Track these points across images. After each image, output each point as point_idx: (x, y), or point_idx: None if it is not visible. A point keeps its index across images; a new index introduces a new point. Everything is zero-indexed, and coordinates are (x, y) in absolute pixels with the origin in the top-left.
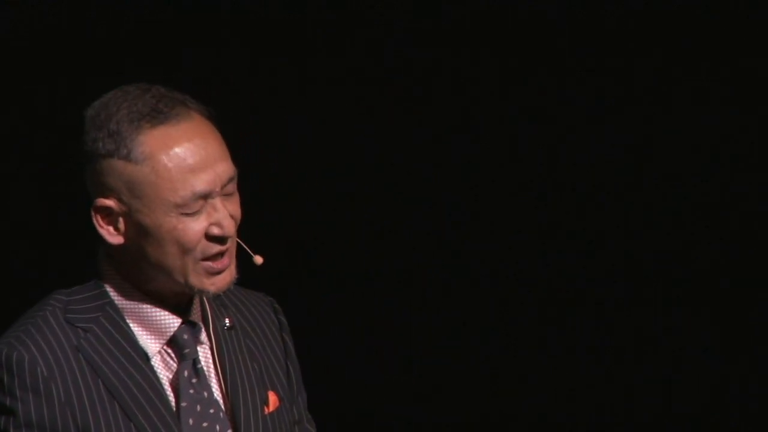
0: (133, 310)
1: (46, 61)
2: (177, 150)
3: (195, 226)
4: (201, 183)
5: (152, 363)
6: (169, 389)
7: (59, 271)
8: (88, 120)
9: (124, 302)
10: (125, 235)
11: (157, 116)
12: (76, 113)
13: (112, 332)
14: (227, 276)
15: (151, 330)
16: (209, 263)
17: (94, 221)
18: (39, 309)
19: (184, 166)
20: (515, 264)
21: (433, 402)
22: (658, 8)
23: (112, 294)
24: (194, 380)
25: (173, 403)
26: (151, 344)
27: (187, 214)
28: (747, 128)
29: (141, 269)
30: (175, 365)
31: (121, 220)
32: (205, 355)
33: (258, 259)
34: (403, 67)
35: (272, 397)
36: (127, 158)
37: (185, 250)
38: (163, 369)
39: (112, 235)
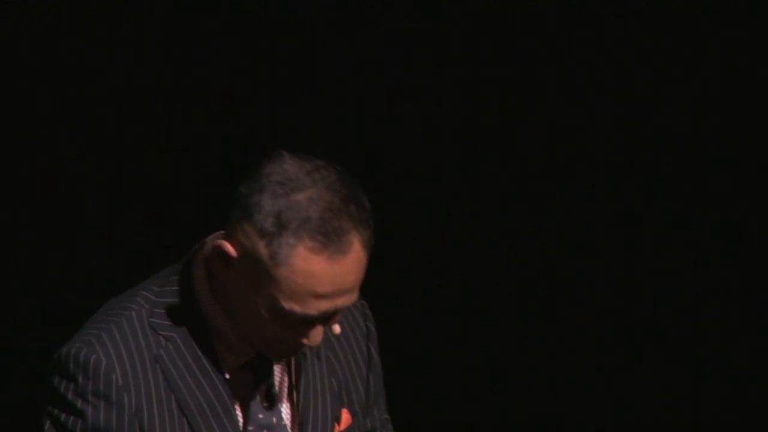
0: (216, 327)
1: (47, 61)
2: (316, 275)
3: (286, 331)
4: (316, 310)
5: (227, 383)
6: (240, 412)
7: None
8: (266, 178)
9: (209, 318)
10: (227, 278)
11: (322, 240)
12: (79, 113)
13: (193, 346)
14: (293, 353)
15: (231, 350)
16: (283, 347)
17: (219, 246)
18: (125, 306)
19: (313, 291)
20: (516, 264)
21: (435, 402)
22: (659, 8)
23: (201, 307)
24: (265, 404)
25: (241, 426)
26: (228, 364)
27: (285, 321)
28: (747, 128)
29: (227, 301)
30: (249, 386)
31: (232, 268)
32: (281, 370)
33: (336, 329)
34: (403, 67)
35: (345, 415)
36: (272, 254)
37: (265, 337)
38: (238, 389)
39: (217, 267)
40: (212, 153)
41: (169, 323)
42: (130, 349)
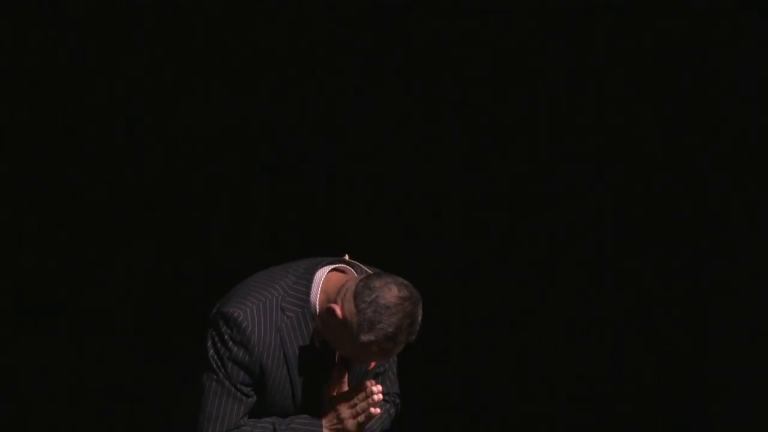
0: (317, 322)
1: (49, 60)
2: (378, 355)
3: (351, 356)
4: (370, 362)
5: (315, 347)
6: (321, 371)
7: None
8: (376, 296)
9: (315, 317)
10: (329, 317)
11: (387, 342)
12: (85, 113)
13: (302, 324)
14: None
15: (318, 333)
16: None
17: (333, 310)
18: (272, 288)
19: (372, 358)
20: (515, 266)
21: (434, 401)
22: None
23: (311, 307)
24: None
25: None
26: (318, 338)
27: (352, 355)
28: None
29: (324, 320)
30: (328, 353)
31: (335, 317)
32: None
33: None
34: (404, 66)
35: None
36: (359, 336)
37: (340, 348)
38: (323, 356)
39: (328, 312)
40: (209, 153)
41: (292, 308)
42: (267, 320)
